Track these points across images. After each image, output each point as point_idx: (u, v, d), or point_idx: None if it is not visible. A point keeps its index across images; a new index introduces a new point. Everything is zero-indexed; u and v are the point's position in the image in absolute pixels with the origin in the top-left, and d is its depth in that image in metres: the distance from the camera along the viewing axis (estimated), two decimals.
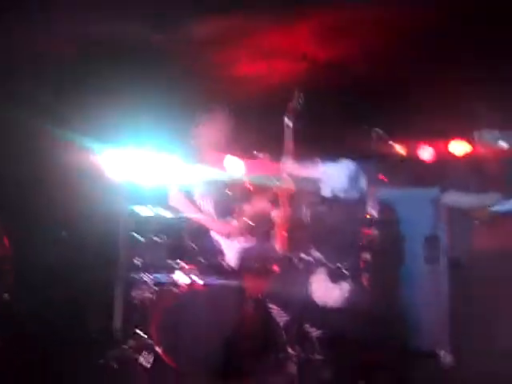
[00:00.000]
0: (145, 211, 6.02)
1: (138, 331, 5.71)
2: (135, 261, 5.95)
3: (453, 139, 6.62)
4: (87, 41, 4.99)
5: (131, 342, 5.70)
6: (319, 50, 5.69)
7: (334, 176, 4.66)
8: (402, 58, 5.53)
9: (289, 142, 4.80)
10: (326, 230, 4.69)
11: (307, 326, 4.81)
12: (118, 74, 5.55)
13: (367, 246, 4.63)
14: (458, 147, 6.55)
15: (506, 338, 5.16)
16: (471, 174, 5.23)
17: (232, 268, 4.71)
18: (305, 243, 4.72)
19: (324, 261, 4.63)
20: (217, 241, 4.72)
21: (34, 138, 6.07)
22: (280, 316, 4.94)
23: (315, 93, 5.93)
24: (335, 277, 4.58)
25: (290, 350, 4.96)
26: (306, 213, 4.74)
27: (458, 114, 5.76)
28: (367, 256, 4.60)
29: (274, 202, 4.85)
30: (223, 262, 4.68)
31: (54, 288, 6.31)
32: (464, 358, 5.35)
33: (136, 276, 5.90)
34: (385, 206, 5.47)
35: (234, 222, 4.78)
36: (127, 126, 5.71)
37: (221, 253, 4.70)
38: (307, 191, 4.79)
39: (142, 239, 5.98)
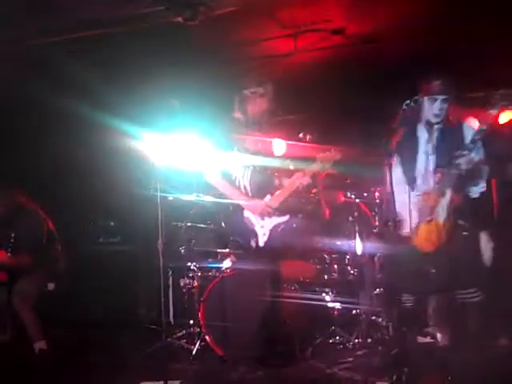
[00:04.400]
0: (185, 197, 6.01)
1: (188, 320, 5.76)
2: (180, 249, 5.97)
3: None
4: (113, 24, 4.94)
5: (181, 332, 5.75)
6: (351, 23, 5.42)
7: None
8: (438, 30, 5.23)
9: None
10: None
11: None
12: (152, 58, 5.51)
13: None
14: None
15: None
16: None
17: (266, 249, 4.58)
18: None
19: None
20: (250, 220, 4.60)
21: (75, 125, 6.17)
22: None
23: (351, 68, 5.79)
24: None
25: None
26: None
27: None
28: None
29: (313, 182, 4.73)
30: (254, 243, 4.55)
31: (103, 278, 6.43)
32: None
33: (181, 264, 5.92)
34: None
35: (269, 200, 4.64)
36: (166, 111, 5.66)
37: (253, 233, 4.58)
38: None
39: (184, 226, 6.01)
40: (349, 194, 5.89)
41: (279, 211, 4.60)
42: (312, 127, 6.75)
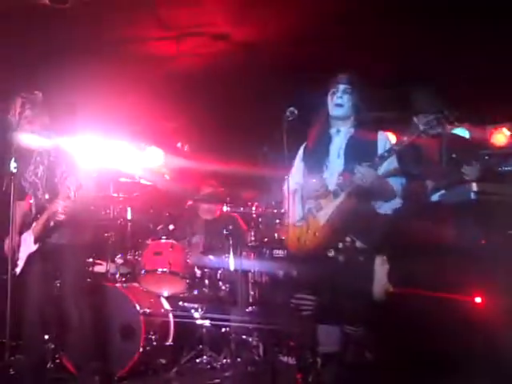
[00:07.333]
0: None
1: None
2: None
3: None
4: None
5: None
6: (235, 28, 5.20)
7: None
8: (325, 36, 5.11)
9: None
10: None
11: None
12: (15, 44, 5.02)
13: None
14: None
15: None
16: None
17: None
18: None
19: None
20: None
21: None
22: None
23: (234, 75, 5.55)
24: None
25: None
26: None
27: None
28: None
29: None
30: None
31: None
32: None
33: None
34: None
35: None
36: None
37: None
38: None
39: None
40: (226, 208, 5.67)
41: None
42: (192, 137, 6.54)
